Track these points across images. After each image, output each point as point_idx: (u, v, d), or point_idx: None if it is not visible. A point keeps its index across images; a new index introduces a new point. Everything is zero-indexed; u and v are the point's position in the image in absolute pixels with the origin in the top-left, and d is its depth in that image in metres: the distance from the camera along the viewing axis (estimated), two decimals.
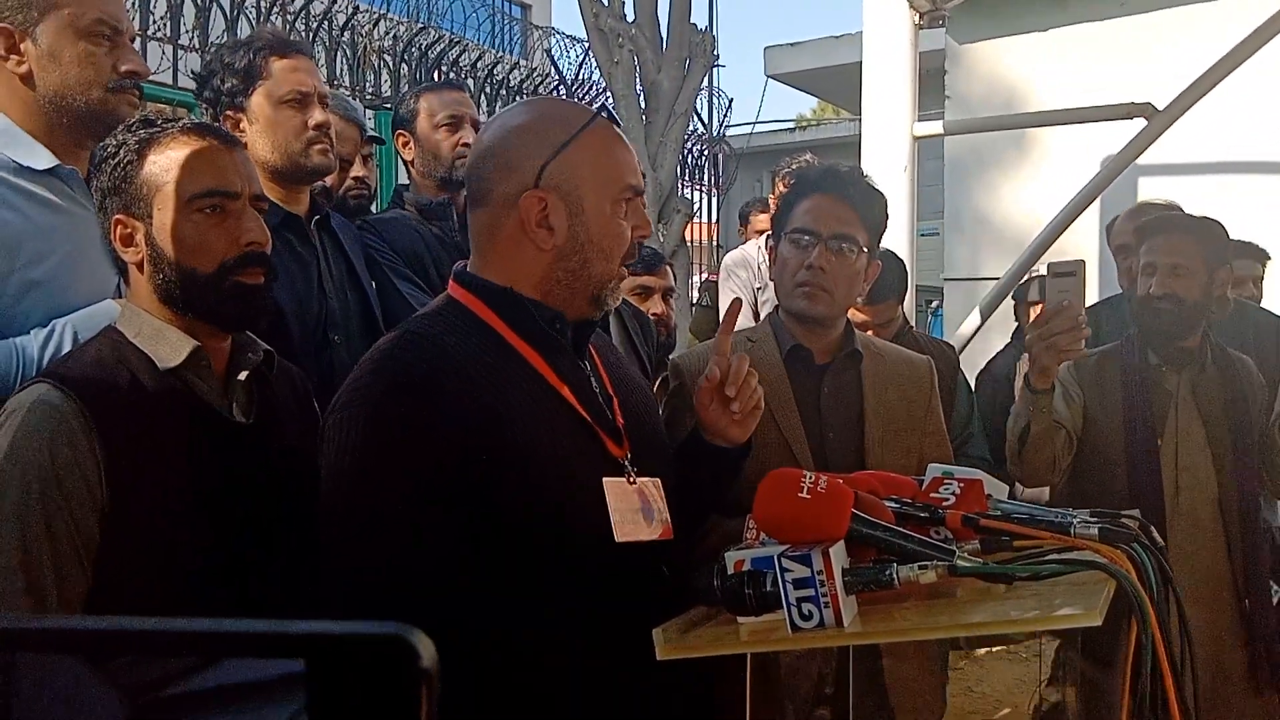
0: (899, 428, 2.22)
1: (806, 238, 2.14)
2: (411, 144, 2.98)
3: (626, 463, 1.60)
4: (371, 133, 3.50)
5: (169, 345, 1.61)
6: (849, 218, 2.15)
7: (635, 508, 1.57)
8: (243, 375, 1.68)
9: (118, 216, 1.63)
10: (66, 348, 1.71)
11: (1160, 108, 4.76)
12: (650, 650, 1.38)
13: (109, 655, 0.57)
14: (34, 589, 1.44)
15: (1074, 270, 2.36)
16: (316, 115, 2.31)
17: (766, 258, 4.26)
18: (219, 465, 1.60)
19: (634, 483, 1.59)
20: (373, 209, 3.33)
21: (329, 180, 2.71)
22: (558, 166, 1.57)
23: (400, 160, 3.12)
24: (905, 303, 3.63)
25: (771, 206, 4.50)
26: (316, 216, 2.41)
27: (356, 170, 3.21)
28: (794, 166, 4.33)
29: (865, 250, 2.18)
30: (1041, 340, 2.35)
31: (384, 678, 0.52)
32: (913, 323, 4.47)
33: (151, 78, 5.40)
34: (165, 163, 1.61)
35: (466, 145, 2.92)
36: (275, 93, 2.29)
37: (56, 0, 1.87)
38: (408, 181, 3.11)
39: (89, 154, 1.99)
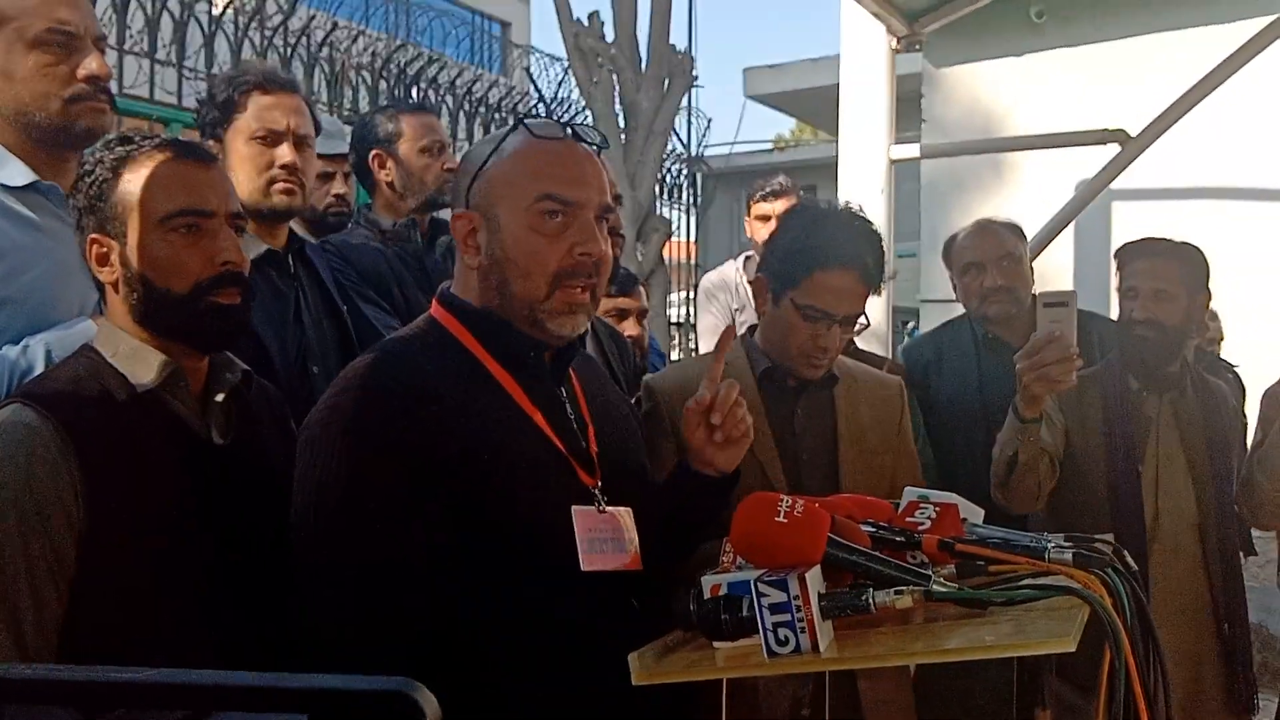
0: (871, 449, 2.23)
1: (819, 315, 2.12)
2: (391, 165, 2.92)
3: (597, 491, 1.59)
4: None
5: (145, 365, 1.58)
6: (861, 292, 2.16)
7: (604, 537, 1.56)
8: (220, 396, 1.66)
9: (93, 235, 1.61)
10: (39, 366, 1.68)
11: (1134, 134, 4.81)
12: (622, 678, 1.37)
13: (103, 708, 0.55)
14: (9, 615, 1.41)
15: (1065, 301, 2.37)
16: (285, 155, 2.27)
17: (745, 279, 4.27)
18: (196, 486, 1.58)
19: (604, 511, 1.58)
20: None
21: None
22: (480, 184, 1.59)
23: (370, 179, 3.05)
24: (878, 324, 3.63)
25: (748, 229, 4.47)
26: (296, 247, 2.38)
27: (338, 188, 3.18)
28: (768, 189, 4.31)
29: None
30: (1033, 370, 2.35)
31: None
32: (889, 345, 4.49)
33: (128, 92, 5.34)
34: (140, 181, 1.59)
35: (450, 170, 2.90)
36: (246, 129, 2.27)
37: (4, 14, 1.83)
38: (369, 201, 3.05)
39: (73, 168, 1.97)
